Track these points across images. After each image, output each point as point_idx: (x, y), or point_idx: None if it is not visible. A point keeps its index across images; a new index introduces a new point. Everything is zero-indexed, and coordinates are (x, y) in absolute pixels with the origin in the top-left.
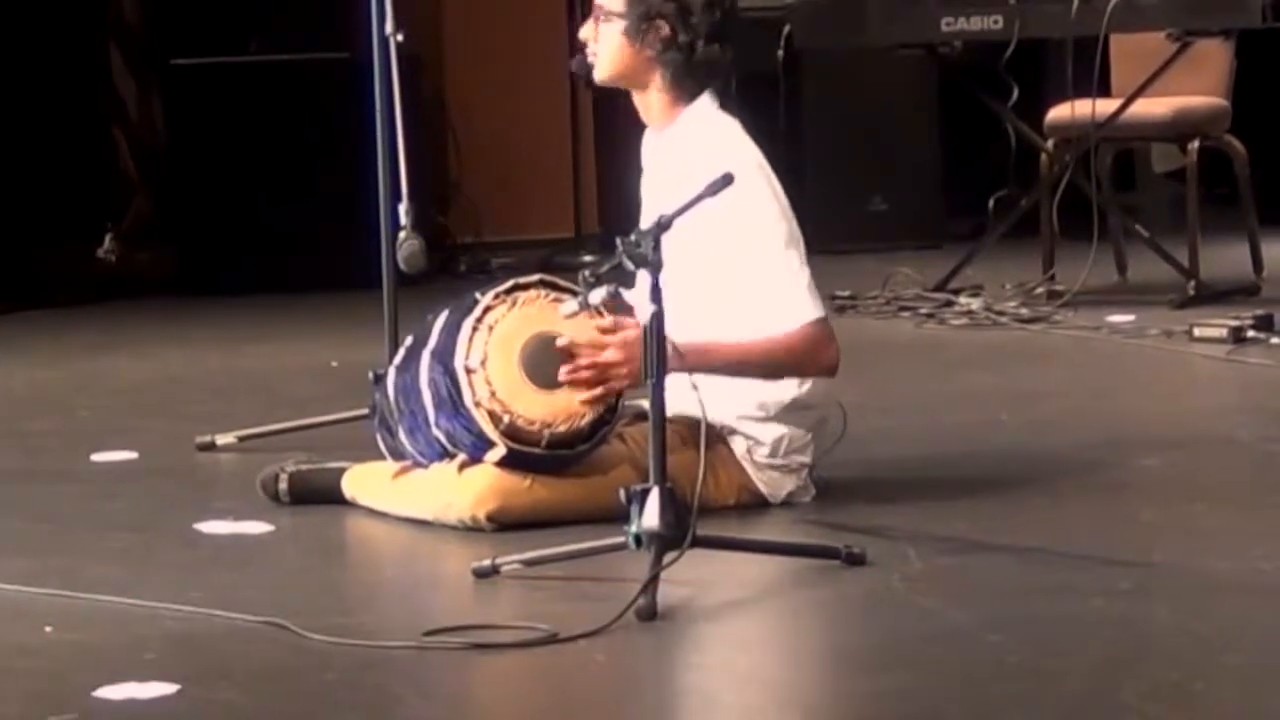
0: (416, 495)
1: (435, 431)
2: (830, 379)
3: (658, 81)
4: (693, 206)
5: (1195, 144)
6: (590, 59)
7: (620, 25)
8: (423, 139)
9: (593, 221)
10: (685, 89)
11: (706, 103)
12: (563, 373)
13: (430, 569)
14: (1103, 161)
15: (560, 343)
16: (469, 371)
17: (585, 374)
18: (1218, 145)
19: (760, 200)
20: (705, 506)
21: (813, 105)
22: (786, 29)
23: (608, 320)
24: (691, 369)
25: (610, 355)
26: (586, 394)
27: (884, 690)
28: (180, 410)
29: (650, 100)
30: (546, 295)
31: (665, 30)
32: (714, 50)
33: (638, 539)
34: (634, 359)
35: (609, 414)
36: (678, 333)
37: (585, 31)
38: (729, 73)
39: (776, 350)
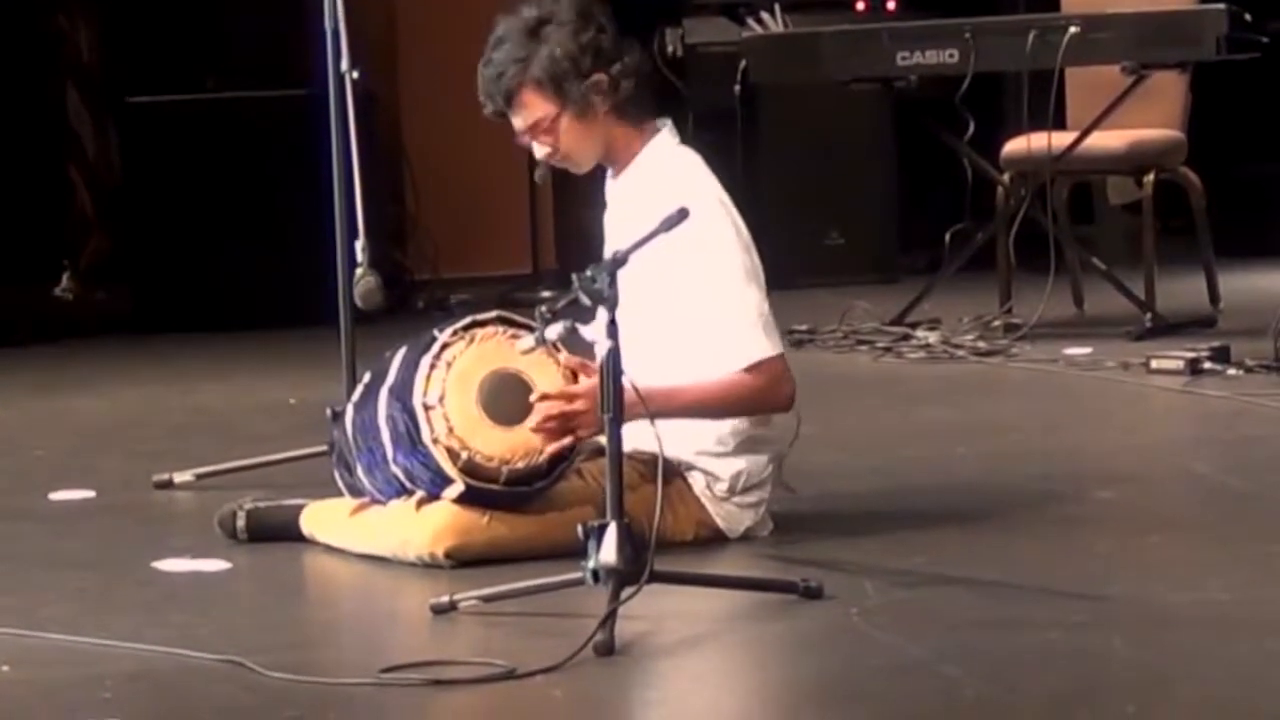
0: (375, 532)
1: (393, 468)
2: (784, 415)
3: (616, 125)
4: (648, 242)
5: (1151, 176)
6: (559, 163)
7: (568, 117)
8: (379, 176)
9: (550, 257)
10: (640, 111)
11: (667, 137)
12: (531, 422)
13: (388, 606)
14: (1059, 194)
15: (533, 399)
16: (427, 408)
17: (552, 425)
18: (1173, 178)
19: (720, 234)
20: (663, 542)
21: (769, 140)
22: (743, 64)
23: (574, 360)
24: (653, 414)
25: (579, 405)
26: (553, 445)
27: None
28: (137, 448)
29: (615, 146)
30: (504, 332)
31: (602, 80)
32: (635, 55)
33: (595, 574)
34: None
35: (567, 450)
36: (638, 374)
37: (541, 151)
38: (647, 65)
39: (733, 390)
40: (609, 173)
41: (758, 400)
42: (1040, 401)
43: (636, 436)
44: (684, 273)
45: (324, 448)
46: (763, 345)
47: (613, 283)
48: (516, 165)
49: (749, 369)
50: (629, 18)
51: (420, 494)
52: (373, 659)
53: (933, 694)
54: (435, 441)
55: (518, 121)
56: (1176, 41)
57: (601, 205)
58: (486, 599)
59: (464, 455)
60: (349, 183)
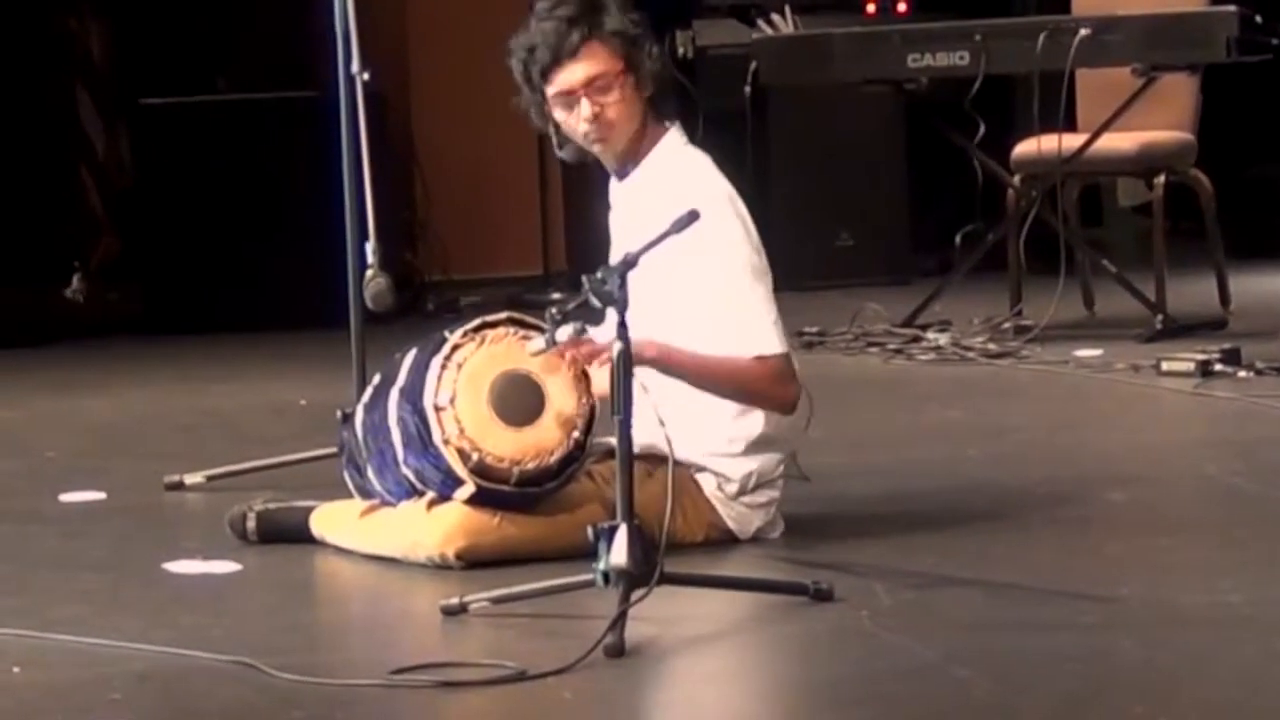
0: (385, 533)
1: (404, 470)
2: (788, 416)
3: (648, 114)
4: (658, 244)
5: (1161, 178)
6: (593, 137)
7: (629, 82)
8: (390, 177)
9: (560, 259)
10: (664, 109)
11: (675, 137)
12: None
13: (398, 607)
14: (1069, 196)
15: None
16: (438, 409)
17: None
18: (1184, 179)
19: (730, 233)
20: (673, 543)
21: (780, 142)
22: (753, 66)
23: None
24: (656, 361)
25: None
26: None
27: None
28: (148, 450)
29: (635, 137)
30: (514, 333)
31: (657, 59)
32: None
33: (605, 576)
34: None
35: (577, 451)
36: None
37: (589, 109)
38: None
39: (737, 371)
40: (613, 175)
41: (759, 390)
42: (1050, 403)
43: (647, 437)
44: (695, 269)
45: (334, 449)
46: (770, 340)
47: (623, 285)
48: (527, 167)
49: (756, 360)
50: None
51: (430, 495)
52: (383, 660)
53: (943, 695)
54: (446, 443)
55: (577, 72)
56: (1187, 43)
57: (609, 208)
58: (497, 600)
59: (475, 456)
60: (359, 184)
